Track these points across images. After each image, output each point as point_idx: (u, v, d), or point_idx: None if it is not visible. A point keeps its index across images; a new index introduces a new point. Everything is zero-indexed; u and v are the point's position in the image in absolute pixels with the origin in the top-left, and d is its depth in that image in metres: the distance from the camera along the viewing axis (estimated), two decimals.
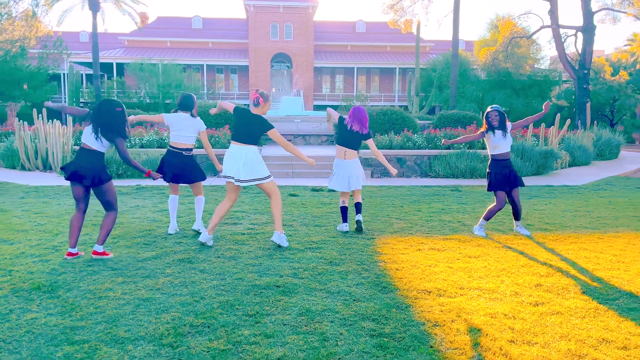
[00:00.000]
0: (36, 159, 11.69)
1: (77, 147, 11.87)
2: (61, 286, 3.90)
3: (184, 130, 5.56)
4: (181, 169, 5.58)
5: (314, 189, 9.37)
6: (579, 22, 34.44)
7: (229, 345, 2.91)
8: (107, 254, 4.72)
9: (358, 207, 5.98)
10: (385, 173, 11.69)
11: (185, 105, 5.63)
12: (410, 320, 3.29)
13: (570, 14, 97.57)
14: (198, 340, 2.99)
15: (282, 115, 17.58)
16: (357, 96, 38.52)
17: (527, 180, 10.96)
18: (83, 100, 32.04)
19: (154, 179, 4.92)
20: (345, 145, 5.86)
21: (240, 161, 4.97)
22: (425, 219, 6.69)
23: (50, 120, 11.93)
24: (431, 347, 2.93)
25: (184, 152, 5.59)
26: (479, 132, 5.83)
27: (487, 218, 5.78)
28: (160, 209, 7.19)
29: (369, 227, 6.14)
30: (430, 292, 3.83)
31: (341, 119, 5.91)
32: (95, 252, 4.68)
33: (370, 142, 5.92)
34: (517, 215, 5.81)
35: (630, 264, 4.69)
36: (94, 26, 26.67)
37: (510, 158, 5.82)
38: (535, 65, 34.45)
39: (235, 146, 5.05)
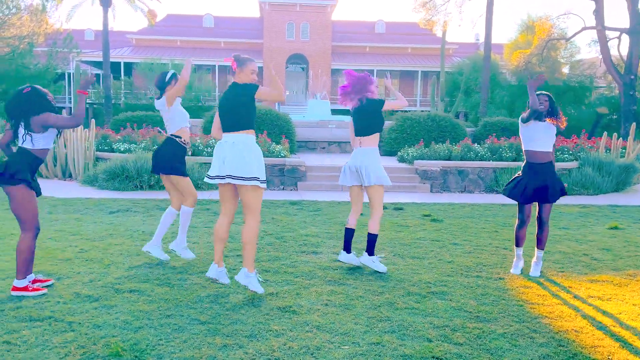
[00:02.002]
0: (55, 166, 10.83)
1: (99, 153, 11.01)
2: (146, 351, 2.98)
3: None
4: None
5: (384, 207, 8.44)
6: (622, 23, 33.60)
7: None
8: (28, 290, 3.85)
9: (369, 242, 4.69)
10: (446, 187, 10.76)
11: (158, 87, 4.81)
12: None
13: (611, 15, 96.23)
14: None
15: (315, 120, 16.70)
16: None
17: (612, 198, 10.00)
18: (89, 101, 31.35)
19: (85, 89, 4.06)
20: (359, 134, 4.71)
21: (223, 153, 3.86)
22: None
23: None
24: None
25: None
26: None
27: (518, 244, 4.83)
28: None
29: (480, 261, 5.21)
30: (631, 351, 2.90)
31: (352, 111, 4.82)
32: (14, 288, 3.86)
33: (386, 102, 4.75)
34: (540, 242, 4.81)
35: None
36: (105, 23, 25.96)
37: (553, 165, 4.71)
38: (570, 70, 33.55)
39: (222, 139, 3.98)
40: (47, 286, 4.02)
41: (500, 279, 4.65)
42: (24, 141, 3.86)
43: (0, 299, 3.79)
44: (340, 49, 41.21)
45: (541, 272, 4.87)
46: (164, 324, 3.40)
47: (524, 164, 4.82)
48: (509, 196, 4.81)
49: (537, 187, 4.63)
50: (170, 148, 4.78)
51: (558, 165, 10.91)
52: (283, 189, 10.35)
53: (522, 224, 4.78)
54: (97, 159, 10.92)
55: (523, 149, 4.79)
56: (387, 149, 14.06)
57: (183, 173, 4.78)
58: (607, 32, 25.76)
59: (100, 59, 32.94)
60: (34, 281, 4.02)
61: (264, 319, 3.54)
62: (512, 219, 7.75)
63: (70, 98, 34.16)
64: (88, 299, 3.84)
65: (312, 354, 3.03)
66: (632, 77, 24.69)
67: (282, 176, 10.43)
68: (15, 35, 20.47)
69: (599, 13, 24.79)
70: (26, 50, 20.68)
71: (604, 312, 3.85)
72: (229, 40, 40.32)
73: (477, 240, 6.22)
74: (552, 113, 4.69)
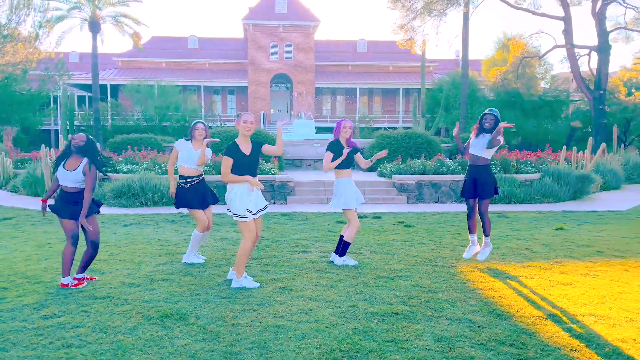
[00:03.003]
0: None
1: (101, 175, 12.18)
2: (187, 314, 4.23)
3: None
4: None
5: (364, 216, 9.77)
6: (592, 41, 35.71)
7: None
8: (68, 285, 4.98)
9: (344, 246, 5.96)
10: (421, 199, 12.13)
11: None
12: (546, 346, 3.68)
13: (581, 33, 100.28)
14: None
15: (301, 139, 18.07)
16: (360, 117, 39.32)
17: (567, 206, 11.47)
18: (77, 123, 32.34)
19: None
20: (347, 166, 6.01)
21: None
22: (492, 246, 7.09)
23: (45, 146, 12.23)
24: None
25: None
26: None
27: (470, 232, 6.09)
28: (220, 237, 7.54)
29: (440, 255, 6.54)
30: (546, 318, 4.23)
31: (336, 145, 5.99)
32: (61, 284, 5.02)
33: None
34: (484, 230, 6.07)
35: None
36: (94, 47, 27.20)
37: (487, 168, 5.90)
38: (546, 85, 35.56)
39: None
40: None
41: (453, 266, 5.99)
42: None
43: (60, 288, 5.00)
44: (324, 67, 42.89)
45: (487, 260, 6.21)
46: (195, 299, 4.66)
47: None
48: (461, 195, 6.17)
49: (470, 182, 5.93)
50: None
51: (521, 177, 12.39)
52: (274, 202, 11.63)
53: (469, 214, 6.09)
54: (102, 179, 12.09)
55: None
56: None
57: (189, 206, 5.94)
58: (577, 49, 27.75)
59: (86, 82, 34.14)
60: (83, 278, 5.18)
61: (269, 294, 4.82)
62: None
63: (57, 120, 35.13)
64: (132, 285, 5.07)
65: (306, 313, 4.31)
66: (602, 92, 26.58)
67: (273, 191, 11.71)
68: (9, 62, 21.60)
69: (568, 32, 26.75)
70: (20, 76, 21.80)
71: (525, 286, 5.19)
72: (214, 61, 41.77)
73: (440, 240, 7.57)
74: (493, 129, 6.02)
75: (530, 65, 32.49)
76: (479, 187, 5.89)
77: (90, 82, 30.02)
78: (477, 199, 6.01)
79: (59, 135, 18.04)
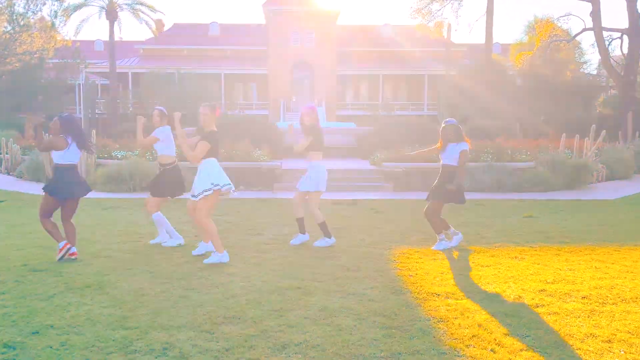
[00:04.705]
0: None
1: (100, 160, 12.96)
2: (107, 285, 4.76)
3: None
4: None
5: (336, 203, 10.15)
6: (623, 24, 34.47)
7: (258, 332, 3.70)
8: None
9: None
10: (411, 188, 12.37)
11: None
12: (417, 317, 4.02)
13: (613, 16, 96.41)
14: (231, 328, 3.78)
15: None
16: (383, 105, 39.35)
17: (556, 195, 11.51)
18: (98, 112, 33.73)
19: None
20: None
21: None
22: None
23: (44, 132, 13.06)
24: (434, 337, 3.65)
25: None
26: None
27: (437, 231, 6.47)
28: (187, 220, 8.09)
29: (387, 239, 6.88)
30: (439, 295, 4.55)
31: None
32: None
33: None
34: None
35: (638, 273, 5.30)
36: (111, 35, 28.35)
37: (447, 172, 6.35)
38: (577, 71, 34.67)
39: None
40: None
41: (389, 249, 6.33)
42: None
43: (5, 261, 5.62)
44: (346, 54, 42.97)
45: (427, 244, 6.52)
46: (124, 273, 5.20)
47: None
48: None
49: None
50: None
51: (512, 165, 12.46)
52: (260, 189, 12.12)
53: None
54: (99, 165, 12.87)
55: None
56: (366, 153, 15.74)
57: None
58: (608, 32, 27.01)
59: (106, 70, 35.47)
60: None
61: (195, 270, 5.31)
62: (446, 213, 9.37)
63: (81, 108, 36.70)
64: (75, 261, 5.65)
65: (217, 287, 4.77)
66: (632, 77, 25.86)
67: (260, 176, 12.20)
68: (27, 51, 22.79)
69: (596, 14, 26.07)
70: (37, 64, 22.96)
71: (446, 267, 5.49)
72: (235, 49, 42.51)
73: (398, 225, 7.88)
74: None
75: (559, 49, 31.80)
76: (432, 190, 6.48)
77: (108, 69, 31.18)
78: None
79: (81, 123, 19.09)
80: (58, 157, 5.72)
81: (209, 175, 5.60)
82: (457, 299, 4.44)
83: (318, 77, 40.56)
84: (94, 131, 13.61)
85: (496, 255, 6.02)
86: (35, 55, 23.28)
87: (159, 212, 6.49)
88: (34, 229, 7.37)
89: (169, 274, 5.15)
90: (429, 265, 5.58)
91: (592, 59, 35.84)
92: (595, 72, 34.14)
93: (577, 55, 34.80)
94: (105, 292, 4.60)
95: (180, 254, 5.98)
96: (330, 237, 6.53)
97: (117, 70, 35.48)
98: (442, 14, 27.15)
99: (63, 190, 5.71)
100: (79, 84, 36.33)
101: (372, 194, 11.62)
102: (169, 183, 6.45)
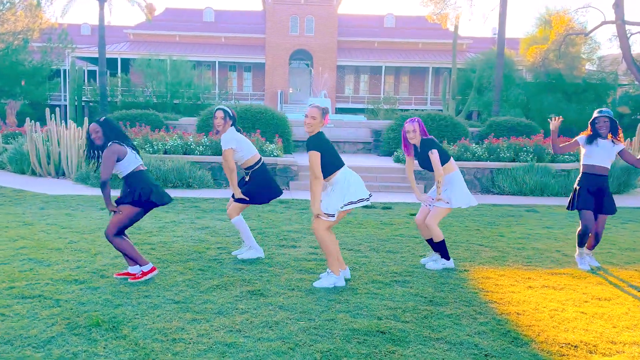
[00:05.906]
0: (48, 163, 11.55)
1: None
2: (123, 322, 3.60)
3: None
4: None
5: (372, 206, 9.03)
6: None
7: None
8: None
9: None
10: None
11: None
12: None
13: (635, 9, 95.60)
14: None
15: None
16: (385, 99, 38.19)
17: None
18: (85, 99, 32.19)
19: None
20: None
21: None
22: (515, 247, 6.31)
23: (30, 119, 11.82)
24: None
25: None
26: (574, 140, 5.50)
27: (581, 244, 5.43)
28: (202, 226, 6.92)
29: (453, 256, 5.78)
30: (576, 346, 3.45)
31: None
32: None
33: None
34: (592, 245, 5.52)
35: None
36: (101, 18, 26.81)
37: (607, 178, 5.38)
38: (591, 67, 33.86)
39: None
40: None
41: (465, 270, 5.22)
42: None
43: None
44: (347, 44, 41.76)
45: (509, 265, 5.43)
46: (141, 302, 4.03)
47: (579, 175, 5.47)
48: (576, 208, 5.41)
49: (592, 194, 5.28)
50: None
51: (556, 166, 11.44)
52: None
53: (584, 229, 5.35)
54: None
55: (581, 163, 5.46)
56: (386, 149, 14.64)
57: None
58: (629, 26, 26.11)
59: (96, 55, 33.87)
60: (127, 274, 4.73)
61: (232, 300, 4.16)
62: (500, 218, 8.31)
63: (66, 95, 35.10)
64: (74, 282, 4.48)
65: (270, 328, 3.63)
66: None
67: (275, 175, 11.04)
68: (10, 31, 21.34)
69: (619, 7, 25.15)
70: (20, 46, 21.54)
71: (552, 299, 4.40)
72: (230, 35, 41.07)
73: (455, 237, 6.79)
74: (613, 132, 5.30)
75: (574, 43, 30.93)
76: (605, 201, 5.37)
77: (97, 55, 29.69)
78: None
79: (67, 111, 17.76)
80: (127, 165, 4.64)
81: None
82: (606, 355, 3.34)
83: (318, 66, 39.33)
84: (86, 119, 12.33)
85: (604, 282, 4.92)
86: (19, 37, 21.79)
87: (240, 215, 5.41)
88: (22, 233, 6.16)
89: (201, 306, 4.00)
90: (529, 296, 4.48)
91: (605, 55, 34.99)
92: (608, 69, 33.24)
93: (589, 51, 33.96)
94: (122, 333, 3.44)
95: (208, 274, 4.82)
96: (448, 259, 5.36)
97: (106, 56, 34.00)
98: (455, 2, 26.02)
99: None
100: (65, 69, 34.75)
101: (402, 195, 10.51)
102: (264, 186, 5.39)
